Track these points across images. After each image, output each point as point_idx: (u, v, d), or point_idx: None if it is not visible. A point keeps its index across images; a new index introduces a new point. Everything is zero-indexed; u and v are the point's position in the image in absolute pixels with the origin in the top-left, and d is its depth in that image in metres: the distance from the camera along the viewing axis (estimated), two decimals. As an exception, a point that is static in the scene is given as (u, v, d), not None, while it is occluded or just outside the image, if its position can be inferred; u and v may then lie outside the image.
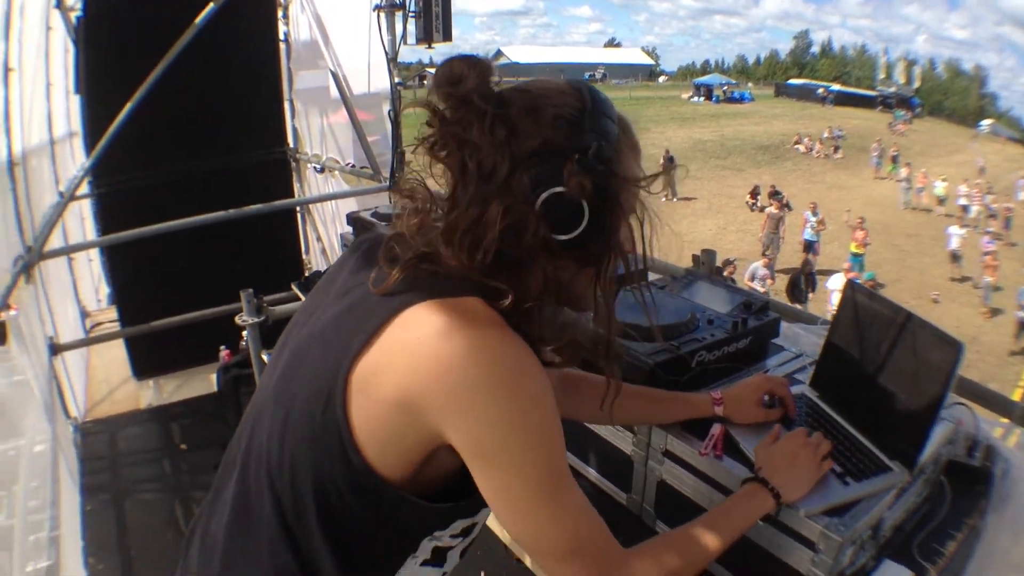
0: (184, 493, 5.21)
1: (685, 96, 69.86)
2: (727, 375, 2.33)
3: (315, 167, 8.28)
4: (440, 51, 5.82)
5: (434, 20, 5.71)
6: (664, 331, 2.27)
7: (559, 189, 1.29)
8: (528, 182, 1.30)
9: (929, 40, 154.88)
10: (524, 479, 1.29)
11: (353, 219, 4.31)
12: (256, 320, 4.47)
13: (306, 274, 8.27)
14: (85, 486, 5.08)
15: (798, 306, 15.63)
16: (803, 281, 17.65)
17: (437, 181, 1.42)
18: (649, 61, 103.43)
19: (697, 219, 26.94)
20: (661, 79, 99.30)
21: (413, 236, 1.40)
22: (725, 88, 74.90)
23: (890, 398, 1.94)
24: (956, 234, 22.91)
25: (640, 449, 2.15)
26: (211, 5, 5.39)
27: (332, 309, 1.45)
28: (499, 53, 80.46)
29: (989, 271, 20.39)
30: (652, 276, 3.25)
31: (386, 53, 5.91)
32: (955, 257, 22.87)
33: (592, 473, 2.40)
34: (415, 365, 1.24)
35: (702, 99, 70.21)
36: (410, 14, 5.73)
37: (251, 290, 4.47)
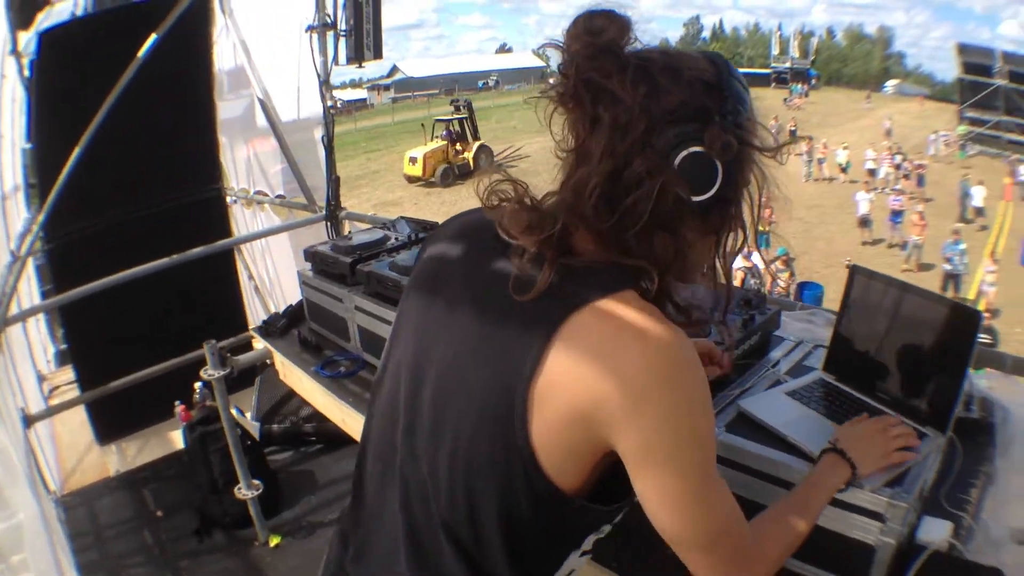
0: (172, 562, 5.25)
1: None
2: (741, 373, 2.50)
3: (234, 200, 8.16)
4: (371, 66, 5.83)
5: (365, 38, 5.78)
6: None
7: (698, 148, 1.29)
8: (669, 139, 1.28)
9: (827, 9, 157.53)
10: (684, 477, 1.29)
11: (312, 254, 4.18)
12: (222, 373, 4.43)
13: (264, 316, 8.11)
14: (80, 565, 4.92)
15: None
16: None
17: (554, 136, 1.41)
18: (540, 63, 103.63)
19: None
20: (552, 81, 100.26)
21: (535, 222, 1.38)
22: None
23: (912, 370, 2.15)
24: (864, 199, 24.02)
25: None
26: (152, 36, 5.37)
27: (470, 320, 1.42)
28: (395, 68, 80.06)
29: (916, 230, 21.42)
30: None
31: (318, 76, 5.91)
32: (865, 221, 23.66)
33: None
34: (589, 377, 1.23)
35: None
36: (341, 33, 5.76)
37: (214, 341, 4.46)
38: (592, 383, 1.24)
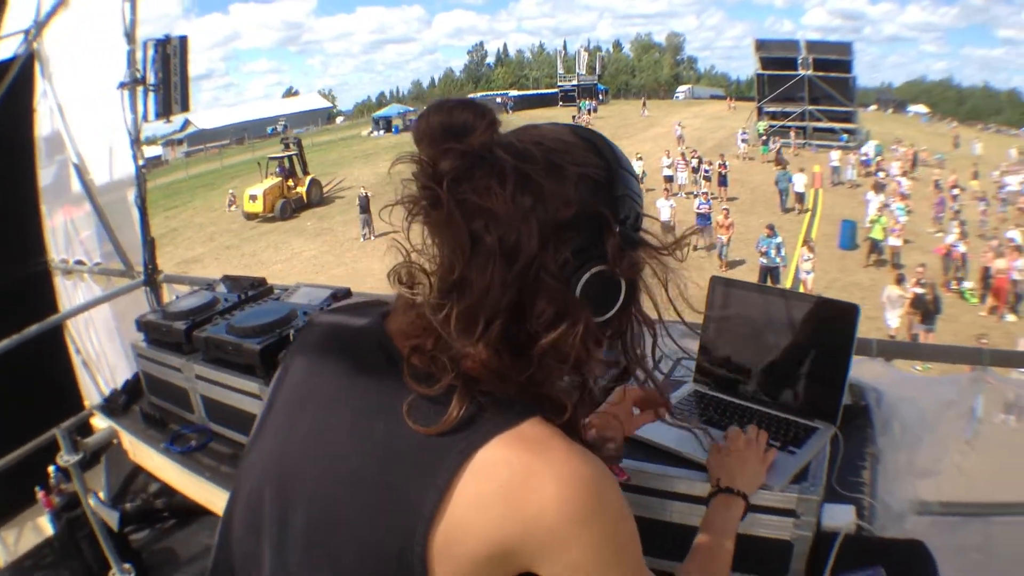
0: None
1: (365, 132, 70.39)
2: (607, 394, 2.52)
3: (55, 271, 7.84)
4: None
5: (173, 91, 5.74)
6: None
7: (601, 267, 1.22)
8: (567, 261, 1.20)
9: (613, 23, 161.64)
10: None
11: (144, 324, 3.99)
12: (76, 459, 4.19)
13: (96, 391, 7.82)
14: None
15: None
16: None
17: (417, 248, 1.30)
18: (327, 104, 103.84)
19: (400, 253, 26.96)
20: (340, 119, 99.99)
21: (435, 343, 1.24)
22: (404, 116, 76.04)
23: (791, 369, 2.33)
24: (665, 205, 24.81)
25: None
26: None
27: (353, 445, 1.28)
28: (187, 122, 78.68)
29: (723, 230, 22.46)
30: None
31: (129, 134, 5.87)
32: (668, 228, 24.39)
33: None
34: (504, 516, 1.14)
35: (383, 132, 70.77)
36: (150, 88, 5.71)
37: (64, 426, 4.21)
38: (507, 523, 1.14)
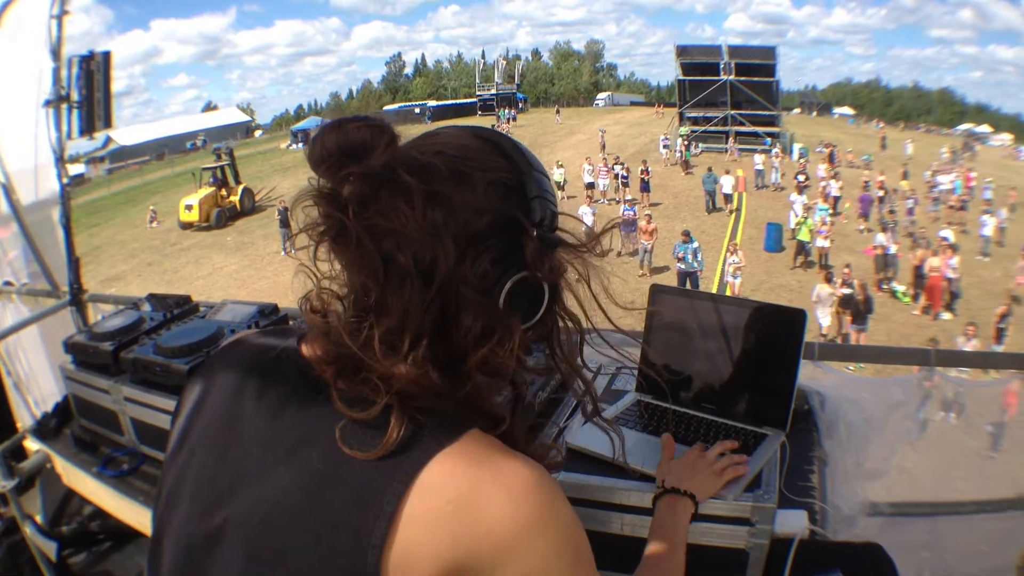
0: None
1: (284, 145, 70.10)
2: (556, 407, 2.59)
3: None
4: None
5: (96, 107, 5.69)
6: None
7: (523, 274, 1.22)
8: (487, 272, 1.20)
9: (531, 32, 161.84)
10: None
11: (71, 345, 3.87)
12: (14, 484, 4.21)
13: (28, 414, 7.72)
14: None
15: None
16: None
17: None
18: (245, 118, 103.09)
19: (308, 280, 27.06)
20: (258, 133, 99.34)
21: (359, 365, 1.19)
22: (322, 129, 76.25)
23: (737, 376, 2.35)
24: (587, 212, 24.93)
25: None
26: None
27: (287, 479, 1.21)
28: (109, 139, 77.80)
29: (646, 236, 22.58)
30: None
31: (53, 152, 5.78)
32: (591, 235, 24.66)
33: None
34: (455, 532, 1.12)
35: (303, 145, 70.31)
36: (74, 105, 5.64)
37: None
38: (459, 539, 1.12)
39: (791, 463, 2.29)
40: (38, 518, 4.58)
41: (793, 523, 2.04)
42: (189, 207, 37.62)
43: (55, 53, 5.69)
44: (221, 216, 37.95)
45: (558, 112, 74.38)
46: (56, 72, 5.68)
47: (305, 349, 1.32)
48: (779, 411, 2.26)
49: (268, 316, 3.89)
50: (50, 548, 4.47)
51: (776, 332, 2.29)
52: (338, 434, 1.16)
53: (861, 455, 2.43)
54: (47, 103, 5.63)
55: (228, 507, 1.23)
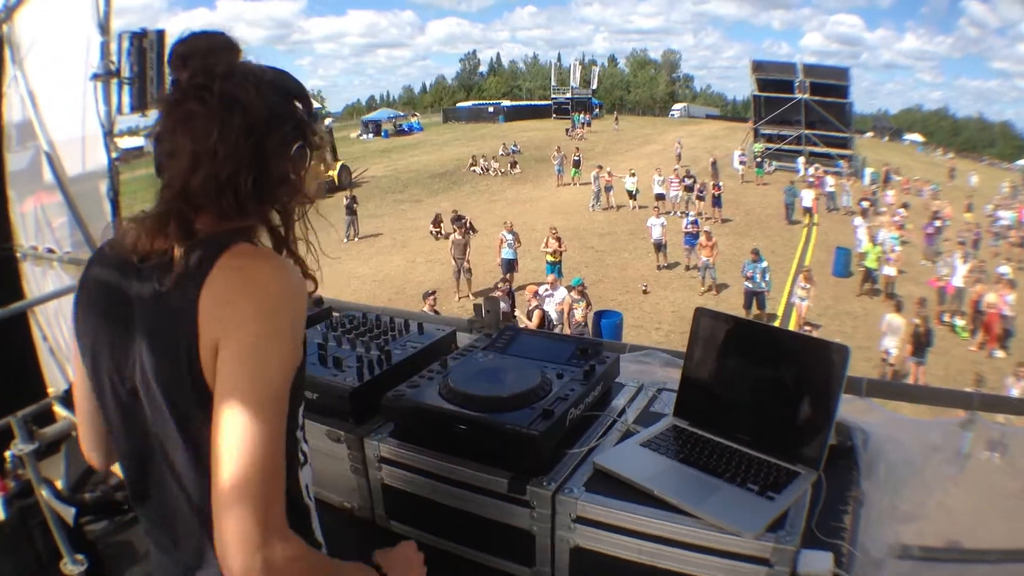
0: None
1: (354, 135, 70.22)
2: (589, 425, 2.57)
3: (23, 256, 7.72)
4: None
5: (149, 85, 5.71)
6: (525, 396, 2.43)
7: (302, 142, 1.81)
8: (286, 135, 1.75)
9: (608, 37, 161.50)
10: (252, 394, 1.56)
11: None
12: (32, 448, 4.32)
13: (63, 380, 7.74)
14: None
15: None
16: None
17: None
18: (316, 105, 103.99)
19: (384, 256, 27.71)
20: (328, 121, 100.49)
21: (157, 225, 1.68)
22: (394, 121, 76.05)
23: (775, 409, 2.28)
24: (656, 224, 24.49)
25: (542, 522, 2.27)
26: None
27: (139, 326, 1.69)
28: None
29: (706, 251, 22.06)
30: (465, 337, 3.45)
31: (102, 126, 5.84)
32: (659, 246, 24.33)
33: (483, 556, 2.48)
34: (221, 313, 1.58)
35: (372, 135, 70.64)
36: (125, 81, 5.68)
37: (20, 415, 4.31)
38: (222, 316, 1.57)
39: (827, 501, 2.21)
40: (59, 484, 4.59)
41: (818, 565, 1.96)
42: None
43: (103, 27, 5.76)
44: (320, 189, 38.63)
45: (616, 120, 74.19)
46: (104, 46, 5.74)
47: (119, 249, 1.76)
48: (814, 449, 2.19)
49: (310, 308, 3.81)
50: (68, 513, 4.48)
51: (818, 367, 2.21)
52: (154, 283, 1.66)
53: (897, 497, 2.34)
54: (94, 76, 5.70)
55: (114, 357, 1.76)
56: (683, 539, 1.99)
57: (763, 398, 2.33)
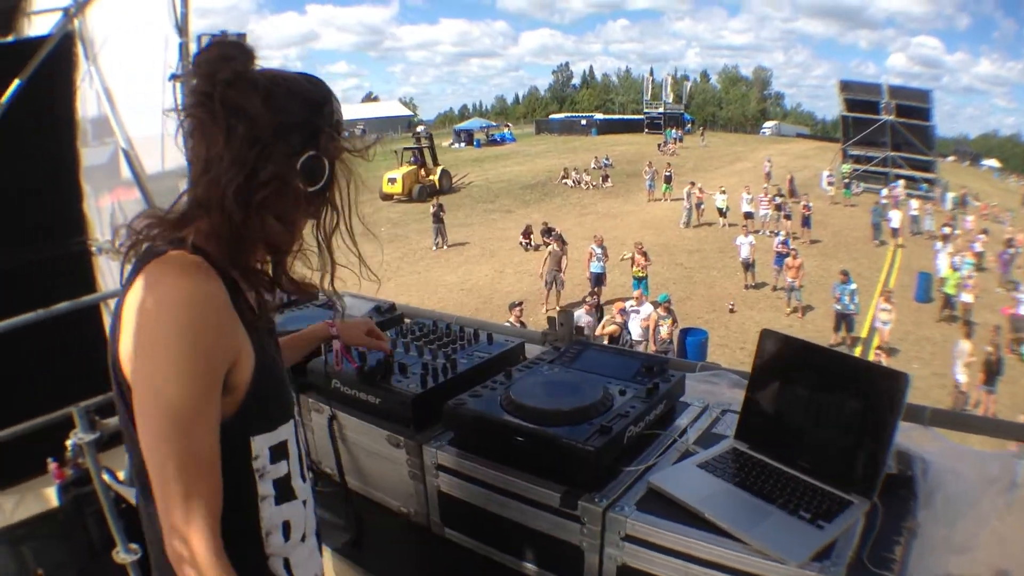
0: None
1: (447, 144, 70.36)
2: (649, 443, 2.54)
3: (98, 250, 7.63)
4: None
5: None
6: (584, 411, 2.43)
7: (314, 152, 1.74)
8: (294, 145, 1.71)
9: (701, 53, 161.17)
10: (156, 397, 1.60)
11: None
12: (92, 437, 4.33)
13: None
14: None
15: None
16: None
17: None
18: (408, 112, 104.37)
19: (472, 265, 27.75)
20: (419, 129, 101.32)
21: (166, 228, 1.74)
22: (486, 131, 76.33)
23: (834, 435, 2.23)
24: (745, 242, 24.17)
25: (592, 538, 2.26)
26: (16, 81, 5.32)
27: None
28: None
29: (791, 272, 21.73)
30: (535, 349, 3.41)
31: (180, 127, 5.80)
32: (747, 265, 24.04)
33: (531, 568, 2.47)
34: (130, 323, 1.66)
35: (464, 144, 71.17)
36: None
37: (82, 405, 4.33)
38: (133, 333, 1.62)
39: (881, 531, 2.15)
40: (121, 474, 4.64)
41: (862, 596, 1.92)
42: (392, 180, 41.01)
43: (181, 29, 5.81)
44: (423, 191, 40.73)
45: (703, 135, 73.90)
46: (183, 48, 5.79)
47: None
48: (869, 477, 2.14)
49: (383, 313, 3.92)
50: (129, 492, 4.51)
51: (878, 394, 2.16)
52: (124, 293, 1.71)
53: (952, 529, 2.31)
54: (173, 77, 5.69)
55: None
56: (729, 564, 1.96)
57: (821, 423, 2.29)
